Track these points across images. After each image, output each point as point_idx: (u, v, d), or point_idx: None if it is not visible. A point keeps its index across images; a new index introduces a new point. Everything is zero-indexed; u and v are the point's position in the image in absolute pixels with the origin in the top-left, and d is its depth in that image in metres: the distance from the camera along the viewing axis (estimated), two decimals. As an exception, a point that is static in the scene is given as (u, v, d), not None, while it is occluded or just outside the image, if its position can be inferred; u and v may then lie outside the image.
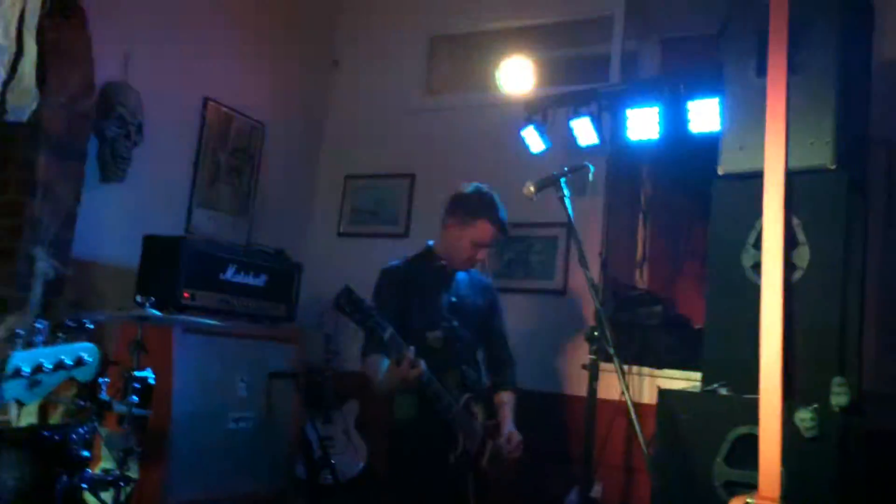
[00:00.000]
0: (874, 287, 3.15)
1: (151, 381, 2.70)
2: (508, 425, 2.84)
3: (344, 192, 5.06)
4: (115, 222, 3.77)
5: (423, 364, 2.46)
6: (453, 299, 2.82)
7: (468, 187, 2.86)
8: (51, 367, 1.55)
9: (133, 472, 2.70)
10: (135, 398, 2.66)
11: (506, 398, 2.94)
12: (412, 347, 2.45)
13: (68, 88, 3.36)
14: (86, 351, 1.61)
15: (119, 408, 2.69)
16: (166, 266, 3.50)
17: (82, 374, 1.63)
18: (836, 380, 2.41)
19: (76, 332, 2.43)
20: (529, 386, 4.08)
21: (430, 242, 2.91)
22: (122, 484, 2.59)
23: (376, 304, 2.71)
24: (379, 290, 2.78)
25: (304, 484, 3.90)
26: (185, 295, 3.48)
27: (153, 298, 2.68)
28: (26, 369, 1.51)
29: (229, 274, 3.73)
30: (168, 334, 3.29)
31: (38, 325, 2.30)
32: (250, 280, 3.84)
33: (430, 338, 2.70)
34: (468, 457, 2.64)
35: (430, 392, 2.52)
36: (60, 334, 2.41)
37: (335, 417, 4.32)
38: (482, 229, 2.76)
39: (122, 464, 2.61)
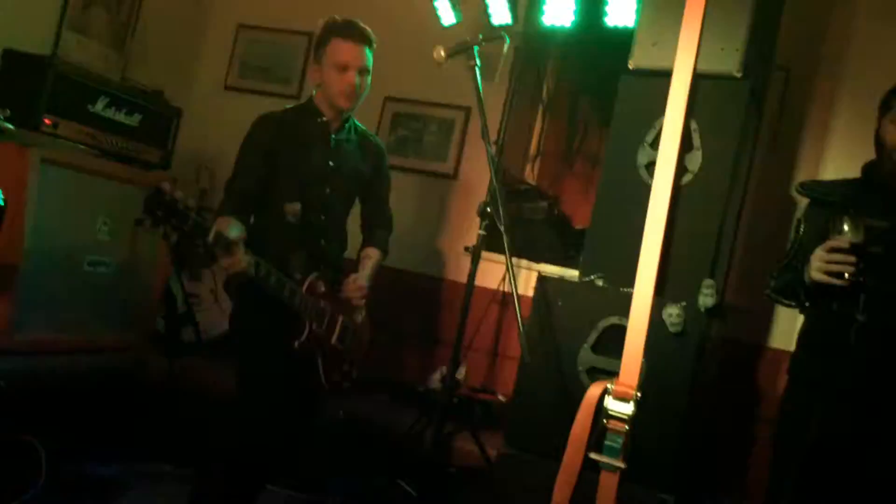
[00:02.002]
0: (749, 203, 3.28)
1: (1, 203, 2.44)
2: (360, 273, 2.71)
3: (235, 41, 4.71)
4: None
5: (250, 259, 2.25)
6: (331, 163, 2.61)
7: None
8: None
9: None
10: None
11: (371, 253, 2.81)
12: (239, 240, 2.22)
13: None
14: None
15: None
16: (27, 88, 3.14)
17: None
18: (706, 282, 2.50)
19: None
20: (411, 267, 4.09)
21: (314, 93, 2.67)
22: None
23: (241, 158, 2.53)
24: (246, 144, 2.55)
25: (164, 337, 3.75)
26: (47, 122, 3.16)
27: (9, 112, 2.39)
28: None
29: (99, 107, 3.41)
30: (24, 158, 2.98)
31: None
32: (123, 117, 3.53)
33: (287, 210, 2.51)
34: (316, 338, 2.53)
35: (269, 282, 2.36)
36: None
37: (204, 275, 4.15)
38: (335, 49, 2.53)
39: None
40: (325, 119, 2.60)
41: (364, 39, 2.57)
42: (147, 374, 3.58)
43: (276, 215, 2.52)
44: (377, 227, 2.86)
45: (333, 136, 2.62)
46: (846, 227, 2.08)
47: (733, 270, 3.19)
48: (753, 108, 2.76)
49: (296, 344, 2.48)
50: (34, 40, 3.60)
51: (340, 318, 2.65)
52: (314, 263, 2.57)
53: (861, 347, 2.14)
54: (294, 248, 2.51)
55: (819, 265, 2.11)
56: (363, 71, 2.56)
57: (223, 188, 2.53)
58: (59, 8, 3.78)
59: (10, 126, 2.34)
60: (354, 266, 2.77)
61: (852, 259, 2.07)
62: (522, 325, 2.43)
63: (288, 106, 2.67)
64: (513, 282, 2.28)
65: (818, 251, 2.13)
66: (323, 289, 2.58)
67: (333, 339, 2.62)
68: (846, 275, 2.08)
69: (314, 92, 2.65)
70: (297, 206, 2.53)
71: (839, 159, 3.43)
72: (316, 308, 2.54)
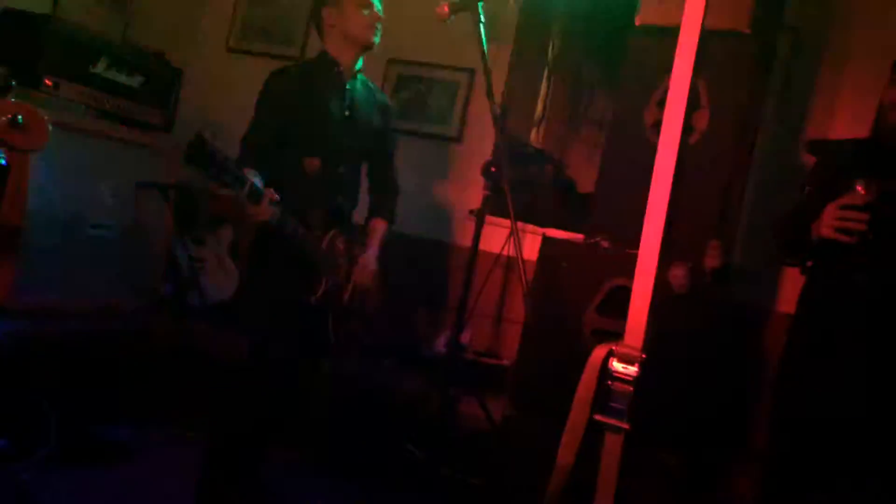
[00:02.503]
0: (756, 165, 3.24)
1: (3, 164, 2.41)
2: (369, 254, 2.70)
3: (237, 2, 4.65)
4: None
5: (278, 210, 2.28)
6: (346, 113, 2.59)
7: None
8: None
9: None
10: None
11: (378, 226, 2.77)
12: (271, 192, 2.26)
13: None
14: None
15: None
16: (27, 46, 3.10)
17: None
18: (712, 243, 2.49)
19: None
20: (416, 232, 4.08)
21: (324, 48, 2.64)
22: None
23: (257, 112, 2.51)
24: (262, 100, 2.53)
25: (169, 302, 3.76)
26: (48, 83, 3.12)
27: (9, 70, 2.36)
28: None
29: (100, 68, 3.37)
30: (25, 120, 2.96)
31: None
32: (124, 78, 3.49)
33: (306, 165, 2.49)
34: (331, 295, 2.54)
35: (290, 234, 2.37)
36: None
37: (208, 240, 4.14)
38: None
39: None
40: (340, 69, 2.58)
41: None
42: (153, 337, 3.59)
43: (294, 170, 2.49)
44: (383, 193, 2.83)
45: (348, 86, 2.60)
46: (859, 186, 2.06)
47: (741, 231, 3.17)
48: (762, 66, 2.72)
49: (312, 299, 2.47)
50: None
51: (354, 278, 2.65)
52: (332, 220, 2.57)
53: (862, 307, 2.13)
54: (312, 203, 2.50)
55: (831, 222, 2.09)
56: (379, 12, 2.56)
57: (238, 142, 2.49)
58: (58, -35, 3.73)
59: (13, 83, 2.32)
60: (361, 234, 2.75)
61: (865, 217, 2.05)
62: (526, 291, 2.41)
63: (301, 61, 2.63)
64: (517, 241, 2.26)
65: (830, 207, 2.10)
66: (341, 246, 2.58)
67: (346, 298, 2.62)
68: (859, 232, 2.06)
69: (324, 46, 2.62)
70: (316, 161, 2.51)
71: (849, 118, 3.38)
72: (333, 264, 2.55)
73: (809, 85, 3.51)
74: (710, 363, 2.75)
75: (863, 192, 2.06)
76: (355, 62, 2.61)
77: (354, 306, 2.67)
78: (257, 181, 2.24)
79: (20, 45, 3.10)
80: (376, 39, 2.57)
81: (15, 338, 2.78)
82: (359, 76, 2.66)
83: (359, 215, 2.76)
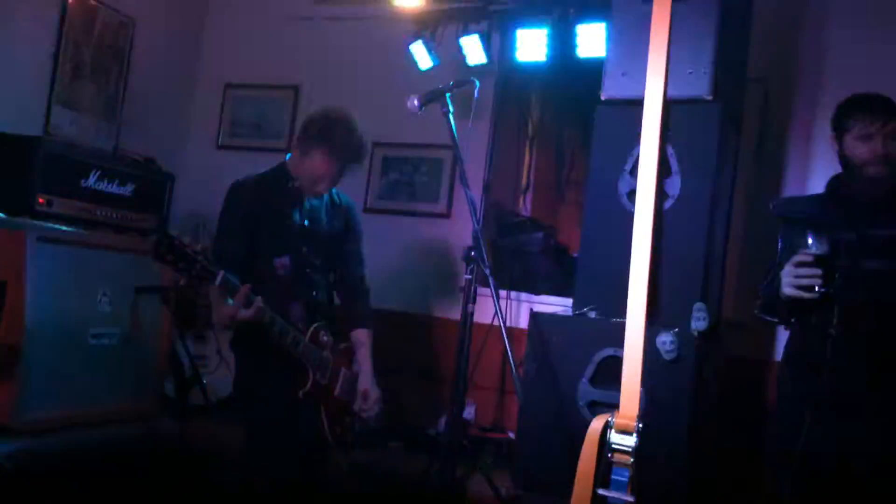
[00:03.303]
0: (740, 220, 3.28)
1: (-3, 290, 2.49)
2: (366, 378, 2.72)
3: (223, 101, 4.79)
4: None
5: (259, 301, 2.32)
6: (305, 223, 2.67)
7: (319, 110, 2.67)
8: None
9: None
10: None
11: (363, 338, 2.79)
12: (247, 286, 2.31)
13: None
14: None
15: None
16: (19, 168, 3.21)
17: None
18: (697, 305, 2.50)
19: None
20: (407, 308, 4.11)
21: (288, 156, 2.74)
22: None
23: (222, 224, 2.60)
24: (227, 210, 2.62)
25: (173, 402, 3.77)
26: (41, 201, 3.22)
27: (-3, 201, 2.45)
28: None
29: (92, 180, 3.48)
30: (20, 241, 3.04)
31: None
32: (115, 188, 3.59)
33: (277, 264, 2.57)
34: (320, 388, 2.56)
35: (273, 329, 2.40)
36: None
37: (208, 336, 4.18)
38: (318, 161, 2.59)
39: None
40: (296, 184, 2.66)
41: (351, 157, 2.64)
42: (159, 439, 3.60)
43: (266, 270, 2.57)
44: (356, 299, 2.86)
45: (306, 198, 2.69)
46: (810, 241, 2.11)
47: (730, 288, 3.18)
48: (730, 127, 2.78)
49: (301, 393, 2.49)
50: (25, 119, 3.70)
51: (342, 370, 2.67)
52: (311, 314, 2.62)
53: (837, 359, 2.14)
54: (290, 299, 2.56)
55: (788, 280, 2.15)
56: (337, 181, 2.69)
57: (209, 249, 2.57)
58: (48, 85, 3.87)
59: (3, 216, 2.41)
60: (348, 354, 2.76)
61: (818, 272, 2.09)
62: (518, 363, 2.43)
63: (259, 171, 2.74)
64: (502, 324, 2.29)
65: (787, 266, 2.16)
66: (325, 339, 2.61)
67: (337, 391, 2.64)
68: (816, 287, 2.09)
69: (289, 156, 2.72)
70: (285, 260, 2.59)
71: (825, 168, 3.41)
72: (319, 358, 2.57)
73: (784, 135, 3.57)
74: (709, 422, 2.73)
75: (813, 247, 2.10)
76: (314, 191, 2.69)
77: (348, 396, 2.68)
78: (230, 275, 2.28)
79: (13, 168, 3.20)
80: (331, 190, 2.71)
81: (16, 458, 2.79)
82: None
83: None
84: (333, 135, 2.58)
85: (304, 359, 2.51)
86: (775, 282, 2.29)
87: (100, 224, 3.53)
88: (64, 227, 3.09)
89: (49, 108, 3.87)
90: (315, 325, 2.59)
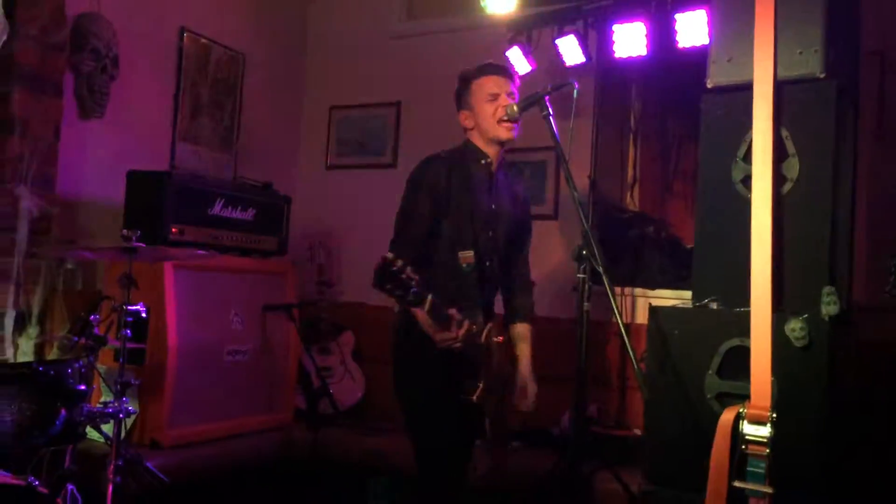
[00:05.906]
0: (864, 198, 3.14)
1: (144, 315, 2.69)
2: (525, 373, 2.59)
3: (329, 123, 4.98)
4: (97, 159, 3.72)
5: (467, 324, 2.19)
6: (493, 206, 2.52)
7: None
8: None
9: (132, 406, 2.72)
10: (128, 332, 2.65)
11: (524, 332, 2.66)
12: (455, 312, 2.18)
13: (39, 19, 3.26)
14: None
15: (113, 343, 2.70)
16: (152, 202, 3.46)
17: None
18: (826, 289, 2.42)
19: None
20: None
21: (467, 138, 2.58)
22: (121, 416, 2.60)
23: (412, 202, 2.45)
24: (416, 187, 2.46)
25: (304, 414, 3.95)
26: (174, 230, 3.45)
27: (139, 232, 2.65)
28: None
29: (217, 208, 3.70)
30: (159, 269, 3.28)
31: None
32: (238, 214, 3.81)
33: (462, 258, 2.42)
34: (489, 392, 2.39)
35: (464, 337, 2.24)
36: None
37: (332, 348, 4.36)
38: (482, 85, 2.50)
39: (120, 397, 2.62)
40: (489, 160, 2.54)
41: (507, 72, 2.58)
42: (295, 449, 3.78)
43: (446, 263, 2.45)
44: (521, 292, 2.74)
45: (493, 177, 2.56)
46: None
47: (860, 271, 3.05)
48: (846, 103, 2.67)
49: (474, 397, 2.34)
50: (154, 155, 3.98)
51: (508, 372, 2.58)
52: (487, 313, 2.52)
53: None
54: (468, 297, 2.43)
55: None
56: (511, 96, 2.53)
57: (394, 232, 2.45)
58: (171, 123, 4.15)
59: (142, 244, 2.60)
60: (507, 348, 2.62)
61: None
62: (639, 359, 2.41)
63: (446, 149, 2.59)
64: (619, 321, 2.27)
65: None
66: (498, 339, 2.49)
67: (503, 393, 2.54)
68: None
69: (467, 138, 2.59)
70: (470, 254, 2.44)
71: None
72: (492, 362, 2.45)
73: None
74: (846, 410, 2.63)
75: None
76: (497, 156, 2.56)
77: (509, 399, 2.58)
78: (437, 300, 2.14)
79: (148, 202, 3.45)
80: (512, 134, 2.51)
81: (171, 471, 3.00)
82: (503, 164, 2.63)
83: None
84: (479, 65, 2.55)
85: (477, 362, 2.37)
86: None
87: (226, 248, 3.75)
88: (197, 252, 3.30)
89: (174, 144, 4.15)
90: (489, 325, 2.45)
